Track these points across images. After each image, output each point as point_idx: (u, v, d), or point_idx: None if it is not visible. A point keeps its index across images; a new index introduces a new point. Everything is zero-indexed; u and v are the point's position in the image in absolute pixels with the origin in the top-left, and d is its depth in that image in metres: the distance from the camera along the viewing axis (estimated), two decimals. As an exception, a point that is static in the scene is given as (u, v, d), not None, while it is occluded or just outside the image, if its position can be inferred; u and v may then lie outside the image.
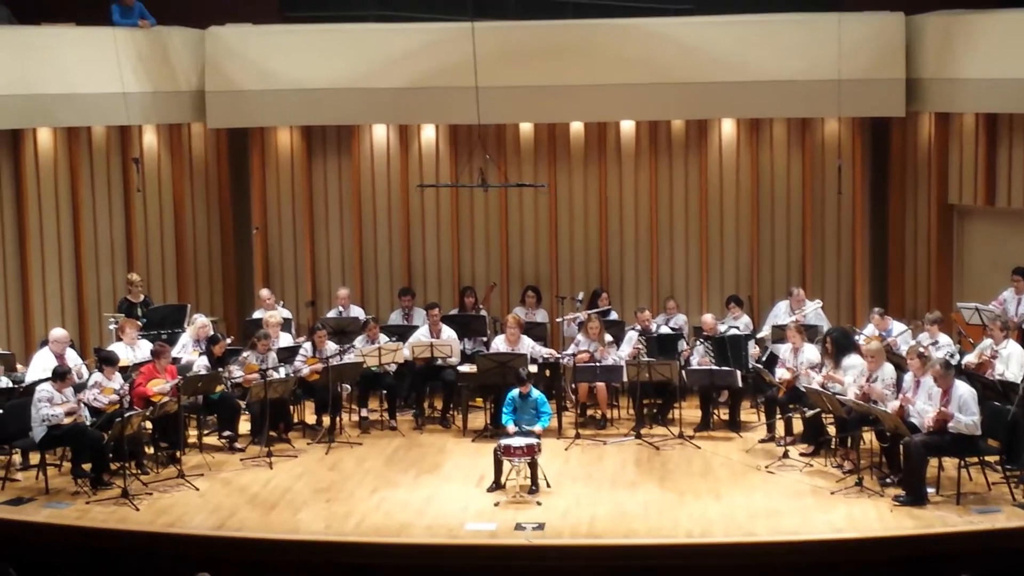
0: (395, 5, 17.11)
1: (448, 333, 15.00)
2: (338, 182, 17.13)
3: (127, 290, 15.58)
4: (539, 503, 11.87)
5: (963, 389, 11.56)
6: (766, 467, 12.82)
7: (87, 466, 12.47)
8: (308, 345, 14.53)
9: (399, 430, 14.51)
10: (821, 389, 12.69)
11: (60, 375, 12.53)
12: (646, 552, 10.95)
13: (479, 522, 11.43)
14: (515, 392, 13.19)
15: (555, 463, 12.89)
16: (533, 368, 14.07)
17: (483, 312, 15.91)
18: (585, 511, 11.67)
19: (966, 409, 11.44)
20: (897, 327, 14.33)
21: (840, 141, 16.46)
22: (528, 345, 14.56)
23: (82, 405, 12.67)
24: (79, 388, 12.94)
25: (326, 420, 14.29)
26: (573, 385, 14.69)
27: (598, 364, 14.27)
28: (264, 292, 15.96)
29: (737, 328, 15.00)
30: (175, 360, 13.90)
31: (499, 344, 14.65)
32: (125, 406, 12.53)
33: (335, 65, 16.14)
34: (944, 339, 13.69)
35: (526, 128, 16.80)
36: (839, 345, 13.05)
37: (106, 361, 13.11)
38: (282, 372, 14.11)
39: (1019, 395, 11.68)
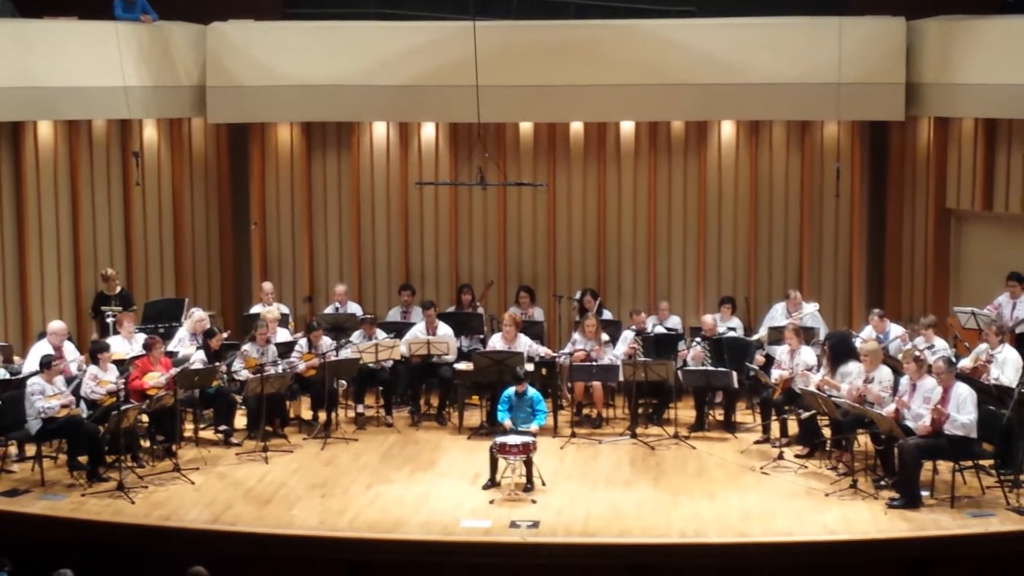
0: (397, 3, 17.11)
1: (445, 330, 15.01)
2: (337, 179, 17.14)
3: (103, 283, 15.55)
4: (534, 501, 11.90)
5: (963, 389, 11.61)
6: (761, 468, 12.85)
7: (83, 459, 12.51)
8: (304, 342, 14.55)
9: (395, 426, 14.54)
10: (817, 391, 12.72)
11: (45, 364, 12.53)
12: (640, 551, 11.00)
13: (474, 519, 11.46)
14: (511, 390, 13.22)
15: (550, 461, 12.91)
16: (530, 366, 14.09)
17: (480, 310, 15.93)
18: (580, 509, 11.70)
19: (964, 409, 11.48)
20: (895, 329, 14.36)
21: (839, 144, 16.46)
22: (525, 343, 14.57)
23: (79, 398, 12.68)
24: (74, 380, 12.95)
25: (322, 416, 14.30)
26: (569, 384, 14.71)
27: (594, 363, 14.29)
28: (267, 285, 15.97)
29: (734, 330, 15.04)
30: (172, 354, 13.92)
31: (496, 342, 14.66)
32: (121, 399, 12.54)
33: (336, 62, 16.15)
34: (940, 343, 13.70)
35: (526, 127, 16.81)
36: (836, 352, 13.06)
37: (98, 350, 13.12)
38: (279, 367, 14.13)
39: (1014, 399, 11.71)
